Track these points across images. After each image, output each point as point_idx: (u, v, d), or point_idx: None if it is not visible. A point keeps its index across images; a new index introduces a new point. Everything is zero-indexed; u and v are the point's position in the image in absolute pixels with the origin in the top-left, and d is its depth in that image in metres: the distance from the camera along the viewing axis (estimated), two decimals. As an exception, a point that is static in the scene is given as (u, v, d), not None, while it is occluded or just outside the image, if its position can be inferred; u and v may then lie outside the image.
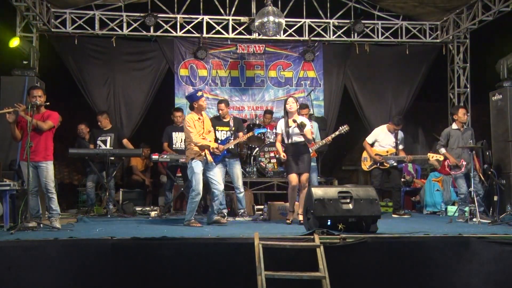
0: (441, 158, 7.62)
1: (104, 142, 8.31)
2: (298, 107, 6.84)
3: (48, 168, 6.08)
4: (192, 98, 6.57)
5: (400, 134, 8.14)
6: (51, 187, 6.08)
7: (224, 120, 7.63)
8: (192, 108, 6.59)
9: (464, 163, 7.10)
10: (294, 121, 6.61)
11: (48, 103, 6.23)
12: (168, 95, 10.20)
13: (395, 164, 8.03)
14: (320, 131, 8.29)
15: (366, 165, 8.22)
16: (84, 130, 8.89)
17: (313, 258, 4.62)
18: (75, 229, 5.98)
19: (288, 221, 6.65)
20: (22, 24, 8.84)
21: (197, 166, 6.39)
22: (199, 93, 6.59)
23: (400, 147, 8.05)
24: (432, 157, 7.78)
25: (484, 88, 9.29)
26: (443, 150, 7.44)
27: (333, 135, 7.78)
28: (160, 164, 8.95)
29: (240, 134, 7.54)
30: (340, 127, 7.74)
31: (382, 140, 8.09)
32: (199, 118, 6.52)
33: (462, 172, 7.15)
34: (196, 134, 6.44)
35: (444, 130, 7.59)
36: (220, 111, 7.66)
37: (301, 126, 6.55)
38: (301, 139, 6.68)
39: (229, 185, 7.85)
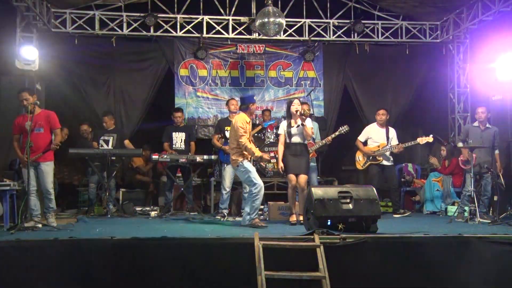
0: (431, 139, 7.84)
1: (107, 142, 8.33)
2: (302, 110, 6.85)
3: (49, 168, 6.12)
4: (250, 100, 6.63)
5: (392, 130, 8.20)
6: (50, 188, 6.14)
7: None
8: (244, 109, 6.56)
9: (474, 158, 7.08)
10: (301, 114, 6.65)
11: (38, 102, 6.27)
12: (168, 95, 10.19)
13: (390, 164, 8.05)
14: (320, 131, 8.30)
15: (360, 164, 8.27)
16: (87, 130, 8.91)
17: (313, 258, 4.62)
18: (75, 229, 5.98)
19: (293, 221, 6.63)
20: (22, 24, 8.84)
21: (250, 166, 6.36)
22: (255, 98, 6.71)
23: (394, 142, 8.07)
24: (422, 140, 7.87)
25: (484, 88, 9.28)
26: (460, 144, 7.56)
27: (333, 135, 7.79)
28: (160, 164, 8.96)
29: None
30: (340, 128, 7.74)
31: (374, 136, 8.18)
32: (248, 122, 6.50)
33: (470, 168, 7.10)
34: (247, 137, 6.39)
35: (465, 126, 7.65)
36: (232, 107, 7.83)
37: (303, 115, 6.63)
38: (302, 140, 6.69)
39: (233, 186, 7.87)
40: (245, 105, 6.55)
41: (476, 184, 7.11)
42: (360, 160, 8.25)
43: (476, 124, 7.57)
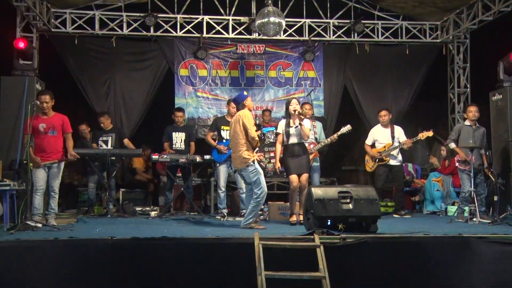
0: (431, 134, 7.93)
1: (106, 142, 8.33)
2: (300, 110, 6.84)
3: (60, 168, 6.21)
4: (242, 97, 6.56)
5: (398, 128, 8.19)
6: (57, 187, 6.24)
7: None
8: (243, 107, 6.50)
9: (473, 158, 7.07)
10: (299, 113, 6.65)
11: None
12: (168, 95, 10.19)
13: (398, 164, 8.06)
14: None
15: (369, 166, 8.31)
16: (85, 130, 8.90)
17: (313, 258, 4.62)
18: (75, 229, 5.98)
19: (293, 221, 6.62)
20: (22, 24, 8.85)
21: (259, 167, 6.35)
22: (245, 93, 6.72)
23: (402, 139, 8.06)
24: (423, 135, 7.93)
25: (484, 88, 9.29)
26: (453, 145, 7.49)
27: (335, 135, 7.76)
28: (160, 164, 8.94)
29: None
30: (343, 127, 7.72)
31: (379, 137, 8.19)
32: (251, 117, 6.50)
33: (469, 169, 7.08)
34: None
35: (456, 125, 7.73)
36: (232, 109, 7.65)
37: (301, 114, 6.62)
38: (299, 140, 6.69)
39: (230, 186, 7.85)
40: (241, 103, 6.52)
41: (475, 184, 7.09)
42: (369, 162, 8.29)
43: (467, 123, 7.52)
